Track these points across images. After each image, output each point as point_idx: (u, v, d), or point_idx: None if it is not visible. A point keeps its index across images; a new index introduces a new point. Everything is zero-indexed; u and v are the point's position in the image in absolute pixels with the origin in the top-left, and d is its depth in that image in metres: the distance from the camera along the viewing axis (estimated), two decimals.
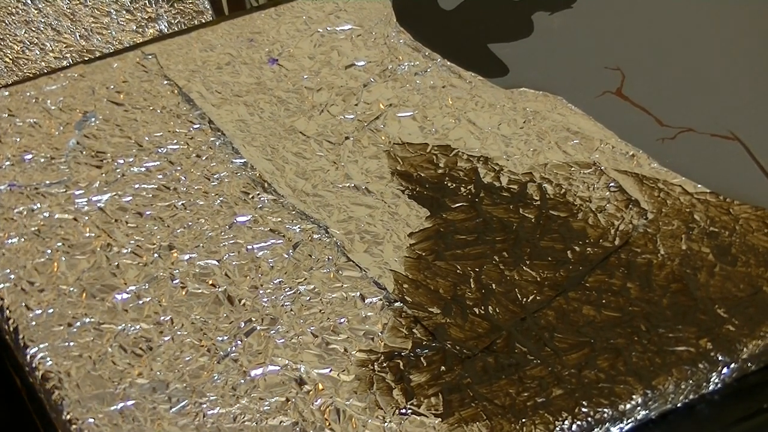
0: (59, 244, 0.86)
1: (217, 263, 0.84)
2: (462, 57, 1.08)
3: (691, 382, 0.74)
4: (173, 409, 0.73)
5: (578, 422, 0.71)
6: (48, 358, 0.76)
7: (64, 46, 1.33)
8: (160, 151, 0.96)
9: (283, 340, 0.77)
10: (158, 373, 0.75)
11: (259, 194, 0.91)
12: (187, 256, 0.85)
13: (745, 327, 0.76)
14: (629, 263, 0.82)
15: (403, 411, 0.72)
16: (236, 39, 1.12)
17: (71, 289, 0.82)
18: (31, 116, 1.02)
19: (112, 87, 1.05)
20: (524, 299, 0.80)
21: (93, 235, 0.87)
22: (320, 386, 0.74)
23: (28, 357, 0.77)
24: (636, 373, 0.73)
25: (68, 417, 0.72)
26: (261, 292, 0.81)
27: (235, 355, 0.76)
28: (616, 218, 0.87)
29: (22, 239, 0.87)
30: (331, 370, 0.75)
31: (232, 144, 0.97)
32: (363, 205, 0.90)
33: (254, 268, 0.83)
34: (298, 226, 0.87)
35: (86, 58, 1.15)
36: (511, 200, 0.89)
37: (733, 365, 0.75)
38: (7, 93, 1.05)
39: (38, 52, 1.32)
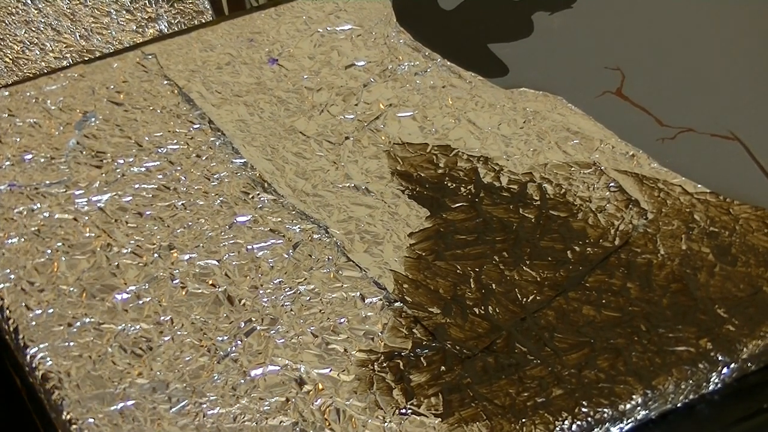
0: (59, 244, 0.86)
1: (217, 263, 0.84)
2: (462, 57, 1.08)
3: (691, 382, 0.74)
4: (173, 409, 0.73)
5: (578, 422, 0.71)
6: (48, 358, 0.76)
7: (64, 46, 1.33)
8: (160, 151, 0.96)
9: (283, 340, 0.77)
10: (158, 373, 0.75)
11: (259, 194, 0.91)
12: (187, 256, 0.85)
13: (745, 327, 0.76)
14: (629, 263, 0.82)
15: (403, 411, 0.72)
16: (236, 39, 1.12)
17: (71, 289, 0.82)
18: (31, 116, 1.02)
19: (112, 87, 1.05)
20: (524, 299, 0.80)
21: (93, 235, 0.87)
22: (320, 386, 0.74)
23: (28, 357, 0.77)
24: (636, 373, 0.73)
25: (68, 417, 0.72)
26: (261, 292, 0.81)
27: (235, 355, 0.76)
28: (616, 218, 0.87)
29: (22, 239, 0.87)
30: (331, 370, 0.75)
31: (232, 144, 0.97)
32: (363, 205, 0.89)
33: (254, 268, 0.83)
34: (298, 226, 0.87)
35: (86, 58, 1.15)
36: (511, 200, 0.89)
37: (733, 365, 0.75)
38: (7, 93, 1.05)
39: (38, 52, 1.32)
